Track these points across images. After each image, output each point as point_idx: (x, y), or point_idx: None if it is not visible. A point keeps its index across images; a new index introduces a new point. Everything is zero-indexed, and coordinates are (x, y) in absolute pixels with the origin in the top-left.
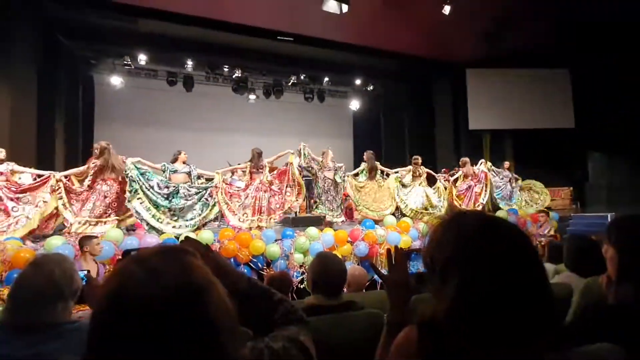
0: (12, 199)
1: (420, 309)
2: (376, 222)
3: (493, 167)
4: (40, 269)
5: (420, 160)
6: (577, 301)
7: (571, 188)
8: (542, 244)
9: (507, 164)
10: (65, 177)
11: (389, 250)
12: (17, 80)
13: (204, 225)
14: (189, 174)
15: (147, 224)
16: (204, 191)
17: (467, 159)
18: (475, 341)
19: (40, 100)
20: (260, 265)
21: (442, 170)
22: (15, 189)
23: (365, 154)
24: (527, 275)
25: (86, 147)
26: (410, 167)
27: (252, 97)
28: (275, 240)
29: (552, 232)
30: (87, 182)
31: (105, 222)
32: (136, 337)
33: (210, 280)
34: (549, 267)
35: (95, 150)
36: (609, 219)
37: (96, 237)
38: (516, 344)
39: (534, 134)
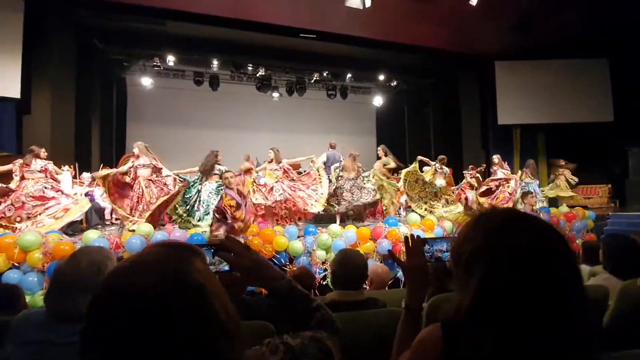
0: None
1: (445, 307)
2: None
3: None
4: (71, 259)
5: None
6: (613, 304)
7: (609, 185)
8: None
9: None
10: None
11: (406, 238)
12: (57, 83)
13: None
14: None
15: None
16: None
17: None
18: (498, 337)
19: (78, 101)
20: (283, 261)
21: (470, 167)
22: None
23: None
24: (555, 270)
25: (119, 144)
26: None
27: (275, 94)
28: (298, 237)
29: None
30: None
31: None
32: (116, 326)
33: (201, 282)
34: (583, 268)
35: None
36: None
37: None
38: (542, 343)
39: (569, 128)
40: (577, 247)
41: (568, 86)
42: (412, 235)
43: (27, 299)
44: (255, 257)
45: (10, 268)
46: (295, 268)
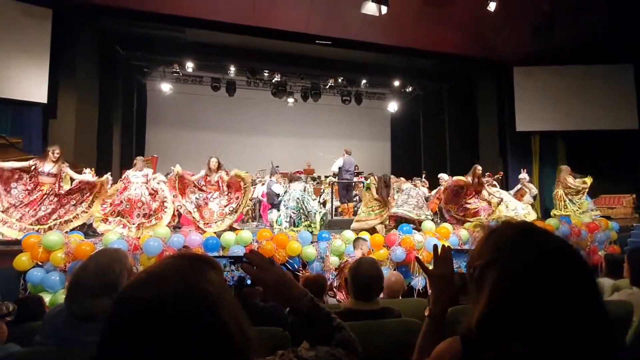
0: None
1: (465, 321)
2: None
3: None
4: (83, 263)
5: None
6: (638, 320)
7: (634, 195)
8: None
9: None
10: None
11: (435, 246)
12: (81, 88)
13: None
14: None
15: None
16: None
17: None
18: (508, 352)
19: (101, 106)
20: (296, 267)
21: (486, 174)
22: None
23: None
24: (566, 285)
25: (139, 147)
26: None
27: (290, 100)
28: (312, 242)
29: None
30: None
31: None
32: (132, 336)
33: (212, 294)
34: (606, 282)
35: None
36: None
37: (364, 239)
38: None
39: (591, 135)
40: (599, 259)
41: (590, 92)
42: (443, 245)
43: (49, 297)
44: (279, 273)
45: (34, 266)
46: (308, 273)
